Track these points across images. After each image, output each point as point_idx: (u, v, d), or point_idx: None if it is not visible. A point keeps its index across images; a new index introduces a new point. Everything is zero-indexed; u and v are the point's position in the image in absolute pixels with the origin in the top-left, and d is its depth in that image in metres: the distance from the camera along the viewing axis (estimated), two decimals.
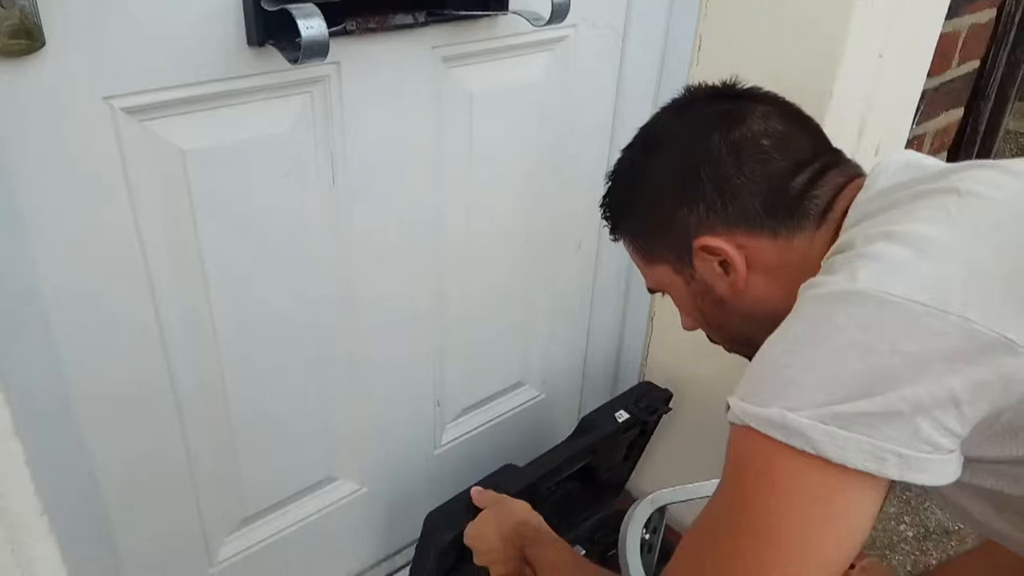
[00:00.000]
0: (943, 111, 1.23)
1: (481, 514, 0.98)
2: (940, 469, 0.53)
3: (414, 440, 1.20)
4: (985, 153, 2.32)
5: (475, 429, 1.29)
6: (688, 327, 0.84)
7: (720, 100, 0.77)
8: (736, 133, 0.72)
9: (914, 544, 1.82)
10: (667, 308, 1.32)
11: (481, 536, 0.96)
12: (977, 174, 0.60)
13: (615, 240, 0.85)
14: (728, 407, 0.58)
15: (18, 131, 0.67)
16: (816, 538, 0.54)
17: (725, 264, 0.73)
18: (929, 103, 1.15)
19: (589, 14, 1.05)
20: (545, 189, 1.14)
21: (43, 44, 0.64)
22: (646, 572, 1.00)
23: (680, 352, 1.33)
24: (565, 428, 1.46)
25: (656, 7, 1.12)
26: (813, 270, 0.63)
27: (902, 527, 1.85)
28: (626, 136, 1.18)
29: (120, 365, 0.82)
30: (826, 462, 0.52)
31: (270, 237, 0.88)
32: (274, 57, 0.77)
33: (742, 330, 0.76)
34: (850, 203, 0.67)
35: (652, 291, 0.85)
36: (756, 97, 0.76)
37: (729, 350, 0.83)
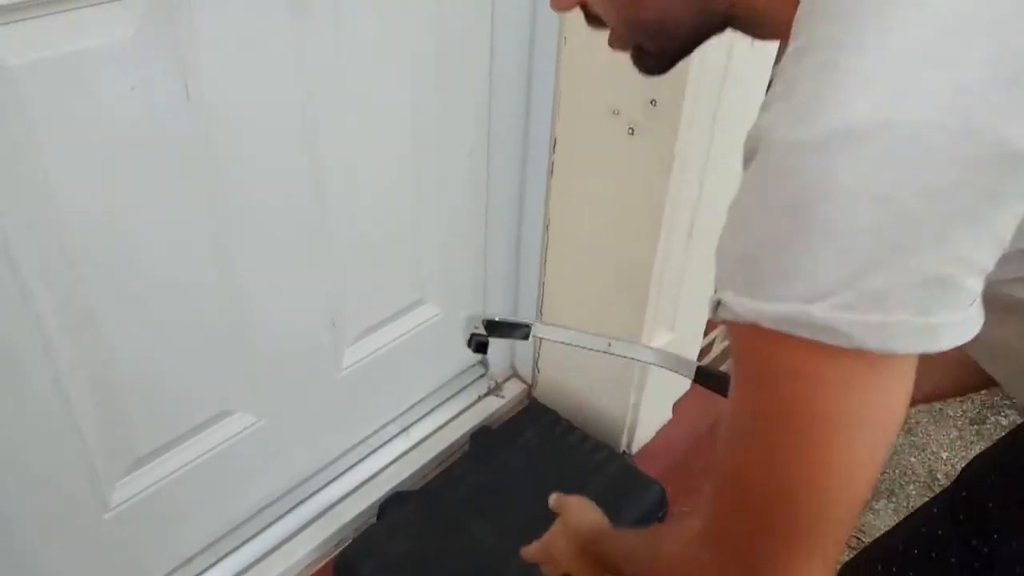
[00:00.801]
0: None
1: (552, 529, 0.90)
2: (979, 318, 0.44)
3: (312, 366, 1.17)
4: None
5: (376, 351, 1.27)
6: (613, 44, 0.62)
7: None
8: None
9: None
10: (561, 223, 1.31)
11: (553, 553, 0.88)
12: None
13: None
14: (718, 304, 0.46)
15: None
16: (861, 442, 0.45)
17: None
18: None
19: None
20: (427, 94, 1.10)
21: None
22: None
23: (576, 263, 1.33)
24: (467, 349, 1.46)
25: None
26: None
27: None
28: (506, 38, 1.15)
29: None
30: (867, 354, 0.42)
31: (126, 159, 0.81)
32: None
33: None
34: None
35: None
36: None
37: (634, 58, 0.62)
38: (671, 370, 0.91)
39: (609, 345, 0.92)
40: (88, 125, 0.77)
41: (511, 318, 0.96)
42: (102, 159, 0.79)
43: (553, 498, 0.92)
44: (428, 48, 1.06)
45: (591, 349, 0.93)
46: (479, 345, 0.95)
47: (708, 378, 0.90)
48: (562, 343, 0.94)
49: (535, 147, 1.30)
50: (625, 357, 0.94)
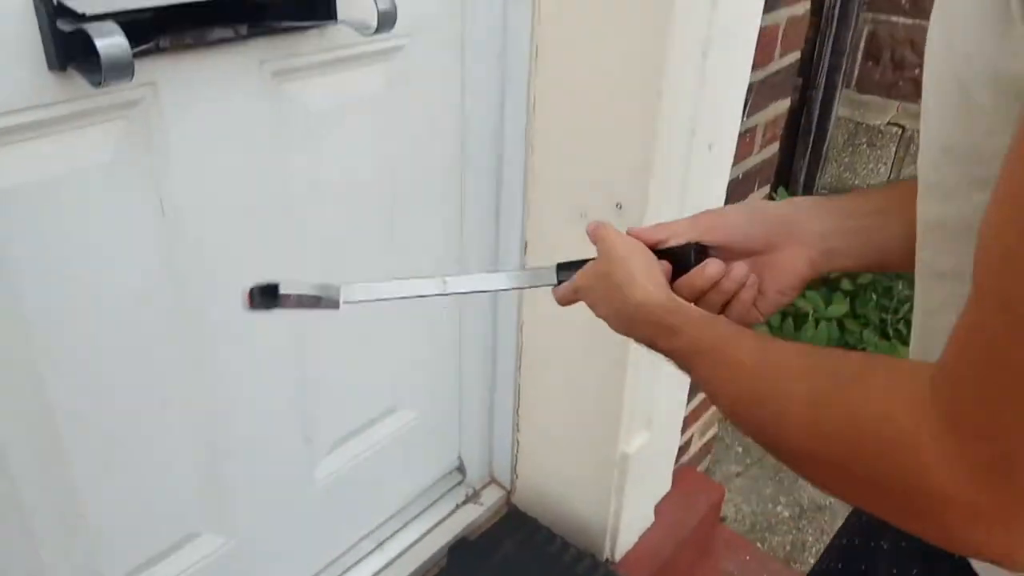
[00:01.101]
0: (771, 102, 1.29)
1: (589, 268, 0.70)
2: None
3: (284, 482, 1.14)
4: (820, 141, 2.49)
5: (351, 461, 1.24)
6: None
7: None
8: None
9: (791, 523, 1.90)
10: (535, 326, 1.32)
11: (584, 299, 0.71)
12: None
13: None
14: None
15: None
16: None
17: None
18: (756, 95, 1.21)
19: (423, 23, 1.03)
20: (398, 204, 1.12)
21: None
22: None
23: (550, 365, 1.33)
24: (446, 452, 1.43)
25: (491, 15, 1.12)
26: None
27: (778, 508, 1.93)
28: (477, 144, 1.19)
29: None
30: None
31: (99, 277, 0.81)
32: (79, 81, 0.71)
33: None
34: None
35: None
36: None
37: None
38: (532, 286, 0.76)
39: (445, 284, 0.75)
40: (61, 248, 0.77)
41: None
42: (74, 279, 0.79)
43: (591, 226, 0.71)
44: (399, 153, 1.09)
45: (424, 296, 0.75)
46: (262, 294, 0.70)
47: (570, 267, 0.74)
48: (385, 299, 0.74)
49: (506, 253, 1.32)
50: (472, 292, 0.78)
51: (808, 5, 1.23)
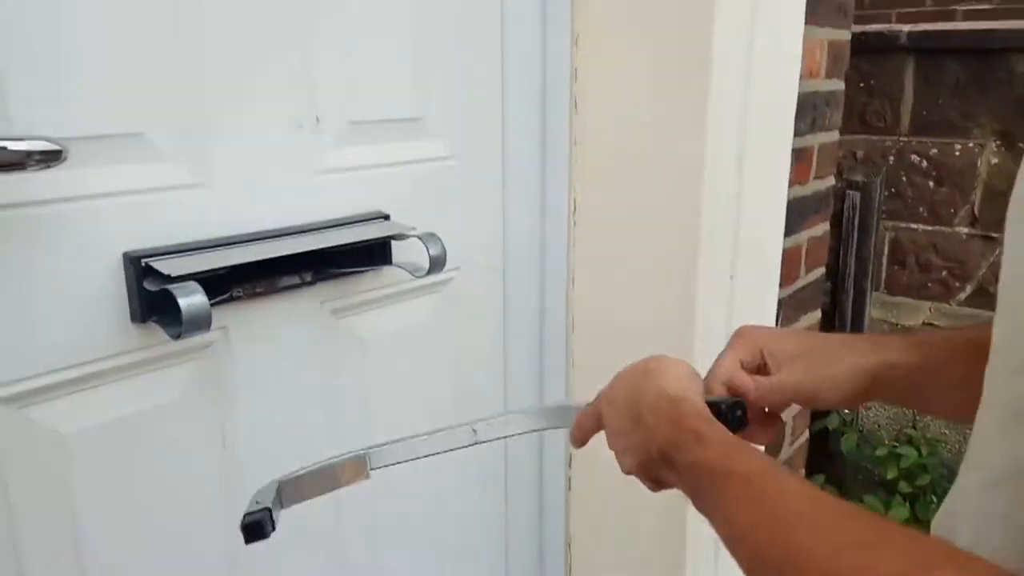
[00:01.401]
0: (802, 315, 1.34)
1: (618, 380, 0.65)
2: None
3: None
4: None
5: None
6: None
7: None
8: None
9: None
10: (584, 539, 1.29)
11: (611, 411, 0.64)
12: None
13: None
14: None
15: None
16: None
17: None
18: (786, 310, 1.26)
19: (469, 256, 1.12)
20: (445, 424, 1.15)
21: None
22: None
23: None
24: None
25: (530, 247, 1.21)
26: None
27: None
28: (519, 361, 1.23)
29: None
30: None
31: (159, 511, 0.83)
32: (158, 331, 0.78)
33: None
34: None
35: None
36: None
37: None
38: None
39: (475, 433, 0.74)
40: (127, 484, 0.80)
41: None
42: (135, 509, 0.82)
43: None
44: (446, 378, 1.13)
45: (455, 449, 0.73)
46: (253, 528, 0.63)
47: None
48: (413, 459, 0.72)
49: (551, 464, 1.32)
50: (504, 437, 0.75)
51: (827, 226, 1.31)
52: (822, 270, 1.35)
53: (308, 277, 0.90)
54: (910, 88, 2.41)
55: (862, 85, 2.45)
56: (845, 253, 2.45)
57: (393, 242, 0.95)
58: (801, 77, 1.13)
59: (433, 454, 0.73)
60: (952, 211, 2.39)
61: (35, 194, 0.69)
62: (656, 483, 0.60)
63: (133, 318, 0.77)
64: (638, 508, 1.20)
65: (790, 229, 1.15)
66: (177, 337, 0.72)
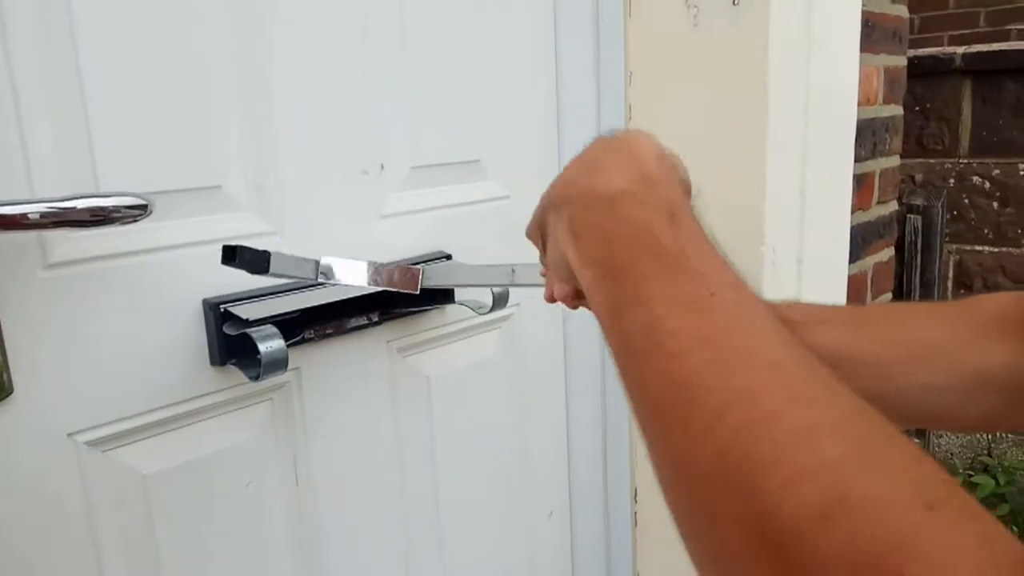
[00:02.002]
0: None
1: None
2: None
3: None
4: None
5: None
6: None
7: None
8: None
9: None
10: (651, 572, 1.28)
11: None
12: None
13: None
14: None
15: None
16: None
17: None
18: None
19: (529, 293, 1.13)
20: (508, 460, 1.15)
21: (11, 392, 0.67)
22: None
23: None
24: None
25: None
26: None
27: None
28: (582, 395, 1.23)
29: None
30: None
31: (236, 547, 0.86)
32: (236, 373, 0.80)
33: None
34: None
35: None
36: None
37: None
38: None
39: (512, 273, 0.68)
40: (203, 521, 0.83)
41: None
42: (211, 549, 0.84)
43: None
44: (509, 412, 1.14)
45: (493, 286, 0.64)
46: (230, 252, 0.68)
47: None
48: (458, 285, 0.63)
49: (616, 499, 1.31)
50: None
51: (892, 251, 1.29)
52: (889, 296, 1.33)
53: (375, 317, 0.92)
54: (968, 110, 2.37)
55: (917, 109, 2.42)
56: (909, 278, 2.40)
57: None
58: (859, 104, 1.13)
59: (473, 285, 0.76)
60: (1019, 231, 2.33)
61: (121, 246, 0.73)
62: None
63: (212, 362, 0.79)
64: None
65: (855, 255, 1.14)
66: (256, 379, 0.75)
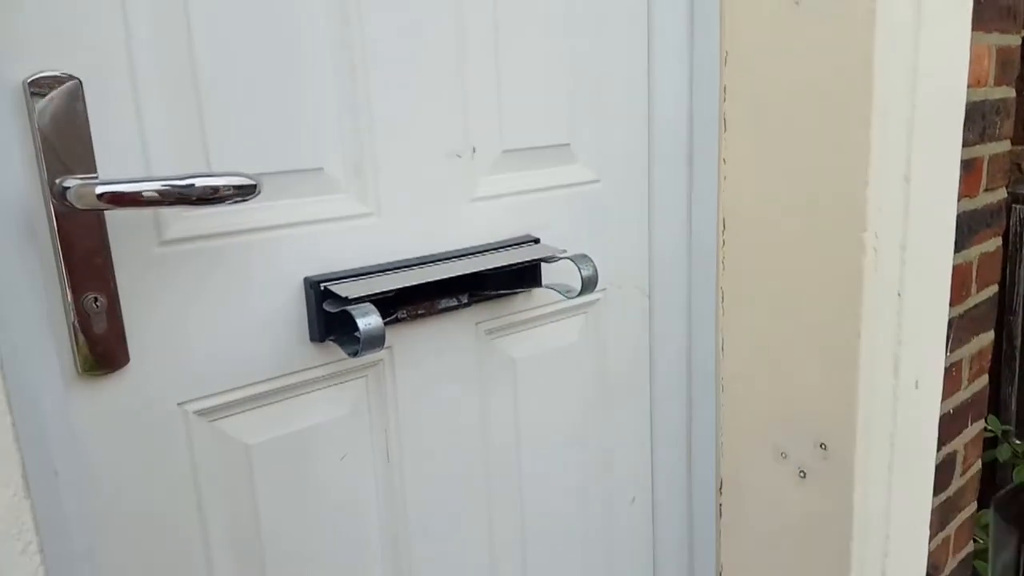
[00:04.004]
0: (973, 336, 1.26)
1: None
2: None
3: None
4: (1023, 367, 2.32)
5: None
6: None
7: None
8: None
9: None
10: (734, 568, 1.26)
11: None
12: None
13: None
14: None
15: (97, 438, 0.71)
16: None
17: None
18: (957, 331, 1.19)
19: (616, 278, 1.13)
20: (591, 443, 1.15)
21: (127, 362, 0.70)
22: None
23: None
24: None
25: (676, 267, 1.20)
26: None
27: None
28: (667, 382, 1.22)
29: None
30: None
31: (328, 520, 0.88)
32: (334, 349, 0.83)
33: None
34: None
35: None
36: None
37: None
38: None
39: None
40: (300, 491, 0.86)
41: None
42: (308, 519, 0.87)
43: None
44: (593, 398, 1.14)
45: None
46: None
47: None
48: None
49: (700, 490, 1.29)
50: None
51: (999, 241, 1.23)
52: (995, 288, 1.26)
53: (464, 299, 0.93)
54: None
55: None
56: (1013, 271, 2.28)
57: (543, 264, 0.98)
58: (968, 86, 1.07)
59: None
60: None
61: (231, 225, 0.76)
62: None
63: (312, 338, 0.82)
64: (792, 538, 1.16)
65: (960, 244, 1.09)
66: (354, 355, 0.77)
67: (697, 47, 1.12)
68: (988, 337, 1.30)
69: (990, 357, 1.33)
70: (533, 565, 1.12)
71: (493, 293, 0.96)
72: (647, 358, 1.21)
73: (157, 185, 0.65)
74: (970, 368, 1.28)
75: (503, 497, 1.05)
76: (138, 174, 0.70)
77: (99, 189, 0.64)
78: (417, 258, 0.89)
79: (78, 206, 0.64)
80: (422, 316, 0.90)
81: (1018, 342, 2.29)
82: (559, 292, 0.98)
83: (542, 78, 0.99)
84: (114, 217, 0.69)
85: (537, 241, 1.00)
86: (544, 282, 0.99)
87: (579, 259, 0.95)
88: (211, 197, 0.67)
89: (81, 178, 0.65)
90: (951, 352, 1.18)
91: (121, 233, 0.70)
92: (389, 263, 0.86)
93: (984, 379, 1.34)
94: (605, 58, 1.05)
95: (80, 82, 0.65)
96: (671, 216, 1.17)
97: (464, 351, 0.97)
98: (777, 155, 1.05)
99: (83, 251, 0.67)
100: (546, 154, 1.02)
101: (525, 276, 0.98)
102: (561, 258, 0.95)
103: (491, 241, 0.96)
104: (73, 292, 0.67)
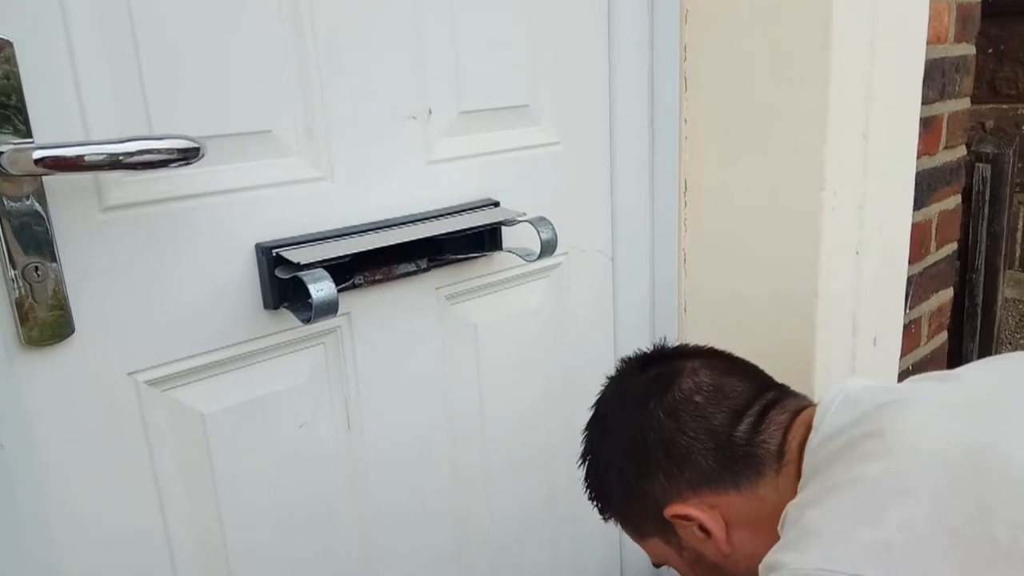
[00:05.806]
0: (933, 293, 1.27)
1: None
2: None
3: None
4: (988, 324, 2.36)
5: None
6: None
7: (651, 365, 0.79)
8: (669, 396, 0.74)
9: None
10: None
11: None
12: (908, 414, 0.61)
13: (606, 520, 0.84)
14: None
15: (45, 410, 0.70)
16: None
17: (704, 528, 0.72)
18: (917, 288, 1.20)
19: (578, 242, 1.12)
20: (555, 407, 1.16)
21: (73, 331, 0.69)
22: None
23: None
24: None
25: (639, 230, 1.20)
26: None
27: None
28: (629, 345, 1.22)
29: None
30: None
31: (287, 489, 0.88)
32: (288, 316, 0.82)
33: None
34: (803, 442, 0.68)
35: (657, 565, 0.83)
36: (685, 354, 0.79)
37: None
38: None
39: None
40: (259, 459, 0.85)
41: None
42: (267, 488, 0.86)
43: None
44: (557, 362, 1.14)
45: None
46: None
47: None
48: None
49: None
50: None
51: (959, 199, 1.24)
52: (954, 246, 1.28)
53: (423, 264, 0.92)
54: None
55: (991, 51, 2.29)
56: (976, 229, 2.31)
57: (504, 228, 0.97)
58: (928, 42, 1.07)
59: None
60: None
61: (176, 190, 0.74)
62: None
63: (265, 305, 0.81)
64: None
65: (919, 202, 1.09)
66: (307, 322, 0.76)
67: (657, 5, 1.11)
68: (948, 294, 1.32)
69: (950, 314, 1.35)
70: (500, 523, 1.12)
71: (453, 257, 0.95)
72: (611, 321, 1.21)
73: (95, 148, 0.63)
74: (929, 325, 1.30)
75: (467, 464, 1.05)
76: (77, 139, 0.68)
77: (36, 154, 0.61)
78: (373, 223, 0.87)
79: (12, 172, 0.61)
80: (380, 282, 0.89)
81: (980, 299, 2.33)
82: (519, 255, 0.97)
83: (500, 37, 0.97)
84: (54, 184, 0.67)
85: (497, 204, 0.99)
86: (505, 246, 0.98)
87: (538, 222, 0.94)
88: (152, 161, 0.65)
89: (15, 143, 0.63)
90: (911, 309, 1.20)
91: (61, 200, 0.68)
92: (344, 228, 0.84)
93: (943, 336, 1.36)
94: (564, 17, 1.03)
95: (11, 43, 0.63)
96: (633, 178, 1.16)
97: (424, 317, 0.96)
98: (736, 114, 1.04)
99: (21, 219, 0.65)
100: (505, 115, 1.01)
101: (485, 240, 0.97)
102: (520, 221, 0.94)
103: (450, 205, 0.95)
104: (12, 261, 0.65)
